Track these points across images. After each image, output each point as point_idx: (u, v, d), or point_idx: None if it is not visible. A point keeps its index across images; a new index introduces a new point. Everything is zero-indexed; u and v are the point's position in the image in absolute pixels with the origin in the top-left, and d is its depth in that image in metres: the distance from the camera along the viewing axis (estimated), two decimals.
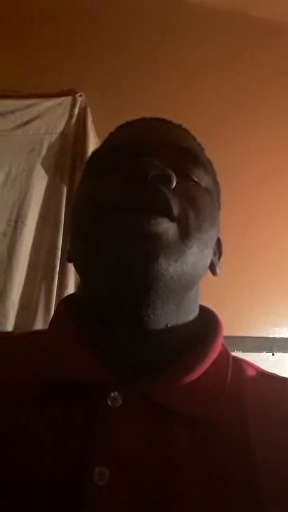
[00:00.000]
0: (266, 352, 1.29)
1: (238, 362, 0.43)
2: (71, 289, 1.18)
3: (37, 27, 1.40)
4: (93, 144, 1.27)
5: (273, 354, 1.29)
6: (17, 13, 1.38)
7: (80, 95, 1.34)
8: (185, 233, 0.37)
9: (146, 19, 1.49)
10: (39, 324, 1.14)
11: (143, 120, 0.48)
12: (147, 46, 1.47)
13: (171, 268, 0.35)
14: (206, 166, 0.45)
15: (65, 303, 0.46)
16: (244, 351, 1.26)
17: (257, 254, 1.39)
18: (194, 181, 0.42)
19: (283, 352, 1.31)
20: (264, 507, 0.32)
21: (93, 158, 0.46)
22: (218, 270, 0.48)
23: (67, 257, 0.48)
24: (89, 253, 0.38)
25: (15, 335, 0.49)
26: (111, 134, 0.50)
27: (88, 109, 1.33)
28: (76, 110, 1.33)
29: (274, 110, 1.52)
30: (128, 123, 0.49)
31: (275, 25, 1.57)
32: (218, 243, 0.50)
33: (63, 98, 1.33)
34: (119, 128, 0.49)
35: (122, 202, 0.36)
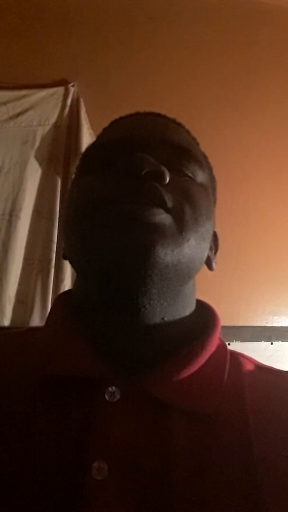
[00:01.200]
0: (265, 341, 1.30)
1: (236, 356, 0.44)
2: (67, 282, 1.18)
3: (28, 17, 1.37)
4: (86, 135, 1.26)
5: (272, 343, 1.30)
6: (7, 3, 1.35)
7: (73, 85, 1.32)
8: (182, 225, 0.37)
9: (139, 7, 1.46)
10: (36, 318, 1.14)
11: (137, 115, 0.48)
12: (140, 34, 1.44)
13: (168, 257, 0.35)
14: (201, 161, 0.45)
15: (61, 299, 0.46)
16: (242, 340, 1.26)
17: (255, 243, 1.39)
18: (189, 176, 0.42)
19: (282, 341, 1.31)
20: (262, 501, 0.32)
21: (87, 154, 0.46)
22: (214, 265, 0.48)
23: (62, 254, 0.48)
24: (84, 246, 0.38)
25: (13, 331, 0.49)
26: (105, 129, 0.49)
27: (81, 99, 1.31)
28: (69, 101, 1.31)
29: (273, 98, 1.50)
30: (122, 118, 0.48)
31: (272, 9, 1.54)
32: (215, 238, 0.49)
33: (55, 89, 1.31)
34: (113, 123, 0.49)
35: (116, 198, 0.36)
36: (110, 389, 0.35)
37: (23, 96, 1.28)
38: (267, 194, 1.44)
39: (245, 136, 1.45)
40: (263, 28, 1.54)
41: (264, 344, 1.29)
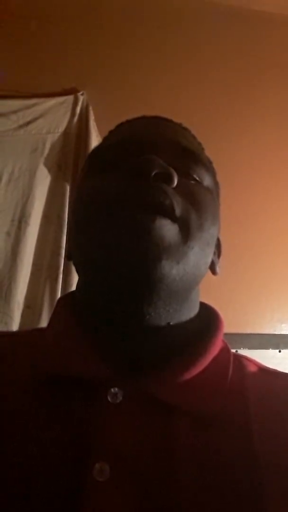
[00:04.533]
0: (273, 349, 1.28)
1: (239, 358, 0.43)
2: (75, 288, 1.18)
3: (38, 25, 1.39)
4: (95, 142, 1.27)
5: (279, 351, 1.28)
6: (18, 12, 1.38)
7: (82, 94, 1.34)
8: (187, 233, 0.37)
9: (148, 16, 1.48)
10: (44, 323, 1.14)
11: (143, 118, 0.48)
12: (149, 43, 1.46)
13: (174, 270, 0.35)
14: (207, 165, 0.45)
15: (64, 300, 0.46)
16: (250, 348, 1.25)
17: (263, 250, 1.38)
18: (196, 180, 0.42)
19: None
20: (265, 502, 0.31)
21: (93, 155, 0.46)
22: (218, 270, 0.48)
23: (67, 255, 0.48)
24: (89, 251, 0.38)
25: (16, 332, 0.49)
26: (111, 132, 0.50)
27: (90, 108, 1.33)
28: (78, 109, 1.33)
29: (276, 105, 1.51)
30: (128, 121, 0.49)
31: (277, 19, 1.55)
32: (218, 242, 0.49)
33: (65, 97, 1.33)
34: (120, 126, 0.49)
35: (124, 200, 0.36)
36: (112, 390, 0.35)
37: (33, 105, 1.30)
38: (275, 199, 1.44)
39: (253, 141, 1.45)
40: (267, 37, 1.55)
41: (272, 352, 1.28)
